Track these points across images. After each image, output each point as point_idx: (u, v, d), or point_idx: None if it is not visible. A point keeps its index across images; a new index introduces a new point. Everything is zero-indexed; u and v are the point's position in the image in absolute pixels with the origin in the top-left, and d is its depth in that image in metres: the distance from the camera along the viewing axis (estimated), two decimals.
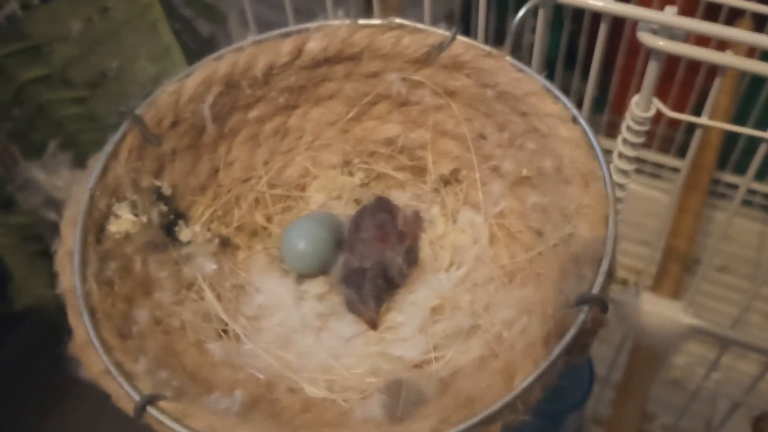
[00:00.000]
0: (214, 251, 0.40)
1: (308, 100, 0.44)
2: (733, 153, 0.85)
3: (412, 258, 0.41)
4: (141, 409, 0.29)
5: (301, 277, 0.41)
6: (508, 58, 0.39)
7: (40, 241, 0.73)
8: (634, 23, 0.41)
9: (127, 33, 0.57)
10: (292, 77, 0.42)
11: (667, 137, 0.90)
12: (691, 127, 0.45)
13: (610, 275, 0.31)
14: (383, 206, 0.42)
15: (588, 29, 0.81)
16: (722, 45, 0.44)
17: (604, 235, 0.32)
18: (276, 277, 0.41)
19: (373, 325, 0.39)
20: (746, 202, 0.89)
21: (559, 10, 0.84)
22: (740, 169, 0.86)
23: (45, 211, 0.80)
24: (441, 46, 0.40)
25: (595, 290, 0.30)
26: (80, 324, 0.32)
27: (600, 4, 0.41)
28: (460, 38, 0.40)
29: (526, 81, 0.38)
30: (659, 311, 0.55)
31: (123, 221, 0.36)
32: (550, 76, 0.38)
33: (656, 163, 0.92)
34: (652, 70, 0.42)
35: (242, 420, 0.31)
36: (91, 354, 0.31)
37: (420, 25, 0.41)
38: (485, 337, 0.35)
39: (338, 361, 0.37)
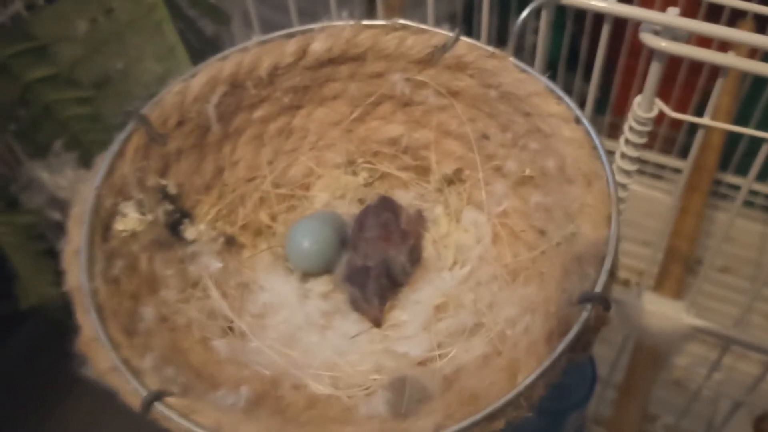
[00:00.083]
0: (219, 250, 0.41)
1: (312, 101, 0.44)
2: (734, 154, 0.85)
3: (415, 257, 0.41)
4: (148, 404, 0.30)
5: (306, 275, 0.42)
6: (511, 59, 0.39)
7: (44, 241, 0.73)
8: (636, 25, 0.41)
9: (132, 33, 0.57)
10: (296, 77, 0.42)
11: (669, 138, 0.90)
12: (693, 128, 0.46)
13: (612, 274, 0.31)
14: (387, 206, 0.42)
15: (590, 31, 0.81)
16: (724, 46, 0.44)
17: (607, 234, 0.32)
18: (280, 276, 0.41)
19: (377, 323, 0.39)
20: (748, 203, 0.89)
21: (561, 12, 0.84)
22: (742, 170, 0.86)
23: (49, 210, 0.80)
24: (444, 47, 0.41)
25: (598, 288, 0.30)
26: (87, 321, 0.32)
27: (603, 5, 0.42)
28: (464, 39, 0.40)
29: (529, 81, 0.38)
30: (661, 311, 0.55)
31: (129, 220, 0.37)
32: (552, 78, 0.38)
33: (658, 164, 0.92)
34: (655, 71, 0.42)
35: (248, 416, 0.31)
36: (98, 351, 0.31)
37: (423, 26, 0.41)
38: (489, 335, 0.35)
39: (343, 358, 0.37)
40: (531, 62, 0.41)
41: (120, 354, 0.31)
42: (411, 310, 0.39)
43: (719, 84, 0.42)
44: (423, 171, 0.45)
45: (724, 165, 0.86)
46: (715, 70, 0.41)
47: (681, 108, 0.48)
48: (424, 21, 0.42)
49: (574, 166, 0.35)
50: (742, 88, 0.79)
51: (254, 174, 0.44)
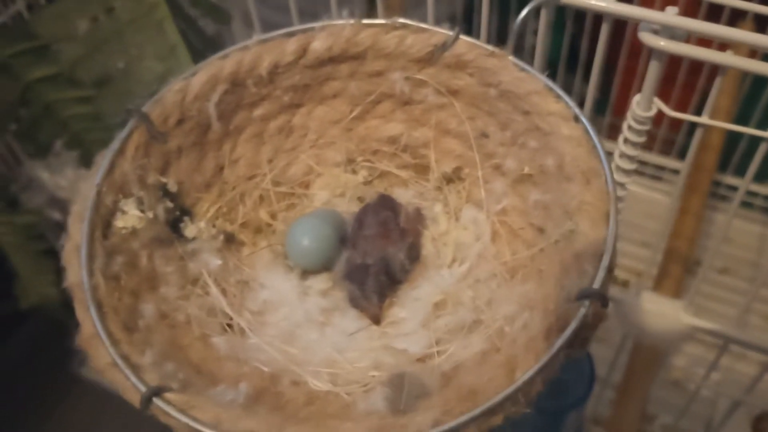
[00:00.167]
0: (219, 247, 0.41)
1: (312, 99, 0.44)
2: (734, 155, 0.85)
3: (414, 254, 0.41)
4: (147, 400, 0.30)
5: (305, 273, 0.42)
6: (511, 58, 0.39)
7: (44, 241, 0.73)
8: (636, 25, 0.42)
9: (133, 32, 0.57)
10: (296, 76, 0.43)
11: (669, 139, 0.91)
12: (693, 130, 0.46)
13: (610, 271, 0.32)
14: (386, 204, 0.43)
15: (590, 31, 0.81)
16: (724, 47, 0.44)
17: (605, 232, 0.32)
18: (280, 273, 0.41)
19: (376, 320, 0.39)
20: (747, 204, 0.89)
21: (560, 12, 0.84)
22: (741, 171, 0.86)
23: (49, 210, 0.80)
24: (444, 46, 0.41)
25: (596, 285, 0.31)
26: (87, 317, 0.32)
27: (602, 4, 0.42)
28: (463, 38, 0.41)
29: (529, 80, 0.38)
30: (660, 310, 0.55)
31: (129, 217, 0.37)
32: (552, 78, 0.38)
33: (658, 165, 0.92)
34: (653, 70, 0.42)
35: (247, 412, 0.31)
36: (98, 347, 0.32)
37: (423, 25, 0.42)
38: (487, 331, 0.35)
39: (342, 355, 0.37)
40: (531, 63, 0.42)
41: (120, 350, 0.31)
42: (410, 308, 0.39)
43: (717, 82, 0.42)
44: (422, 169, 0.45)
45: (723, 166, 0.86)
46: (715, 71, 0.41)
47: (681, 109, 0.48)
48: (424, 20, 0.42)
49: (573, 164, 0.35)
50: (742, 90, 0.79)
51: (254, 172, 0.44)
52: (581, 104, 0.45)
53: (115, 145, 0.37)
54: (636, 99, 0.44)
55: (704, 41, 0.45)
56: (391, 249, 0.40)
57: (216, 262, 0.40)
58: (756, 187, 0.87)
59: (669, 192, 0.90)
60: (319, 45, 0.42)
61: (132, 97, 0.52)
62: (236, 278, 0.41)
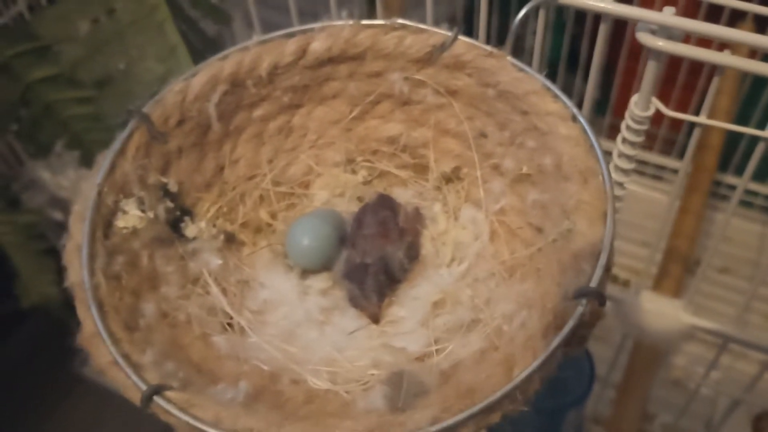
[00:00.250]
0: (220, 247, 0.41)
1: (312, 99, 0.45)
2: (734, 155, 0.85)
3: (413, 254, 0.42)
4: (148, 399, 0.30)
5: (305, 272, 0.42)
6: (509, 58, 0.40)
7: (45, 240, 0.74)
8: (636, 26, 0.42)
9: (134, 34, 0.57)
10: (296, 77, 0.43)
11: (669, 139, 0.91)
12: (693, 129, 0.46)
13: (608, 269, 0.32)
14: (385, 203, 0.43)
15: (590, 31, 0.82)
16: (724, 48, 0.44)
17: (603, 231, 0.33)
18: (280, 273, 0.42)
19: (376, 319, 0.39)
20: (746, 204, 0.89)
21: (561, 13, 0.84)
22: (741, 170, 0.86)
23: (50, 210, 0.81)
24: (443, 46, 0.41)
25: (593, 284, 0.31)
26: (88, 316, 0.32)
27: (600, 4, 0.42)
28: (462, 38, 0.41)
29: (527, 80, 0.39)
30: (660, 310, 0.55)
31: (130, 217, 0.37)
32: (552, 78, 0.39)
33: (658, 165, 0.92)
34: (651, 70, 0.42)
35: (247, 410, 0.31)
36: (99, 346, 0.32)
37: (422, 26, 0.42)
38: (486, 330, 0.35)
39: (341, 353, 0.37)
40: (531, 64, 0.42)
41: (120, 349, 0.31)
42: (409, 307, 0.40)
43: (715, 82, 0.42)
44: (421, 169, 0.46)
45: (723, 166, 0.86)
46: (714, 72, 0.42)
47: (681, 109, 0.48)
48: (423, 21, 0.42)
49: (571, 163, 0.35)
50: (741, 91, 0.79)
51: (254, 172, 0.45)
52: (581, 104, 0.45)
53: (116, 145, 0.38)
54: (634, 99, 0.45)
55: (704, 41, 0.45)
56: (390, 248, 0.40)
57: (216, 261, 0.40)
58: (756, 187, 0.87)
59: (669, 191, 0.90)
60: (318, 46, 0.42)
61: (132, 98, 0.52)
62: (236, 278, 0.41)
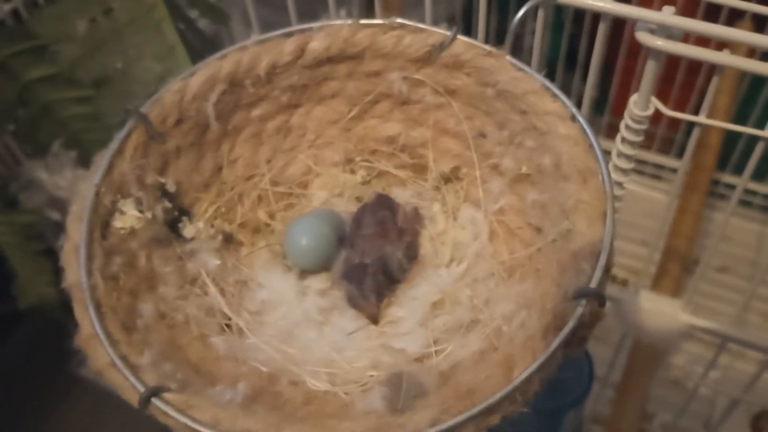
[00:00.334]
0: (218, 247, 0.41)
1: (311, 99, 0.45)
2: (733, 154, 0.85)
3: (412, 254, 0.41)
4: (146, 400, 0.30)
5: (304, 272, 0.42)
6: (508, 57, 0.39)
7: (43, 241, 0.74)
8: (635, 25, 0.42)
9: (132, 33, 0.57)
10: (294, 76, 0.43)
11: (667, 139, 0.91)
12: (691, 129, 0.46)
13: (607, 270, 0.32)
14: (384, 203, 0.43)
15: (588, 31, 0.82)
16: (722, 47, 0.44)
17: (602, 231, 0.32)
18: (279, 273, 0.42)
19: (374, 319, 0.39)
20: (745, 203, 0.89)
21: (559, 12, 0.84)
22: (740, 170, 0.86)
23: (48, 210, 0.80)
24: (442, 46, 0.41)
25: (593, 284, 0.31)
26: (86, 317, 0.32)
27: (599, 4, 0.42)
28: (461, 38, 0.41)
29: (526, 80, 0.39)
30: (658, 309, 0.55)
31: (128, 217, 0.37)
32: (551, 78, 0.38)
33: (656, 165, 0.92)
34: (651, 69, 0.42)
35: (245, 411, 0.31)
36: (97, 347, 0.32)
37: (421, 25, 0.42)
38: (485, 331, 0.35)
39: (340, 354, 0.37)
40: (530, 63, 0.42)
41: (118, 350, 0.31)
42: (408, 307, 0.39)
43: (714, 82, 0.42)
44: (420, 169, 0.45)
45: (722, 165, 0.86)
46: (713, 71, 0.42)
47: (680, 108, 0.48)
48: (422, 21, 0.42)
49: (570, 163, 0.35)
50: (740, 90, 0.79)
51: (253, 172, 0.44)
52: (580, 104, 0.45)
53: (113, 145, 0.38)
54: (633, 98, 0.44)
55: (703, 41, 0.45)
56: (389, 248, 0.40)
57: (214, 262, 0.40)
58: (755, 186, 0.87)
59: (668, 191, 0.90)
60: (317, 45, 0.42)
61: (131, 98, 0.52)
62: (235, 278, 0.41)
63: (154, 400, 0.30)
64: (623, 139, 0.46)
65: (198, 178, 0.42)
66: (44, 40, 0.59)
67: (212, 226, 0.42)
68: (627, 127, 0.45)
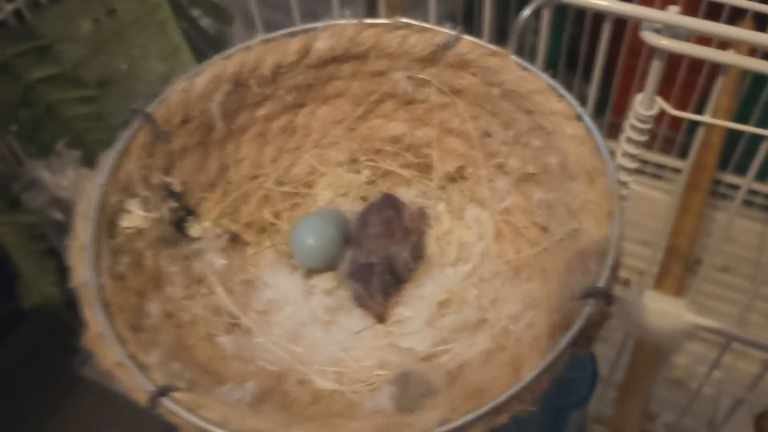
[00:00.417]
0: (224, 247, 0.41)
1: (315, 99, 0.45)
2: (734, 154, 0.85)
3: (418, 253, 0.42)
4: (154, 400, 0.30)
5: (310, 272, 0.42)
6: (513, 57, 0.39)
7: (46, 240, 0.73)
8: (635, 25, 0.42)
9: (136, 33, 0.57)
10: (299, 76, 0.43)
11: (669, 138, 0.91)
12: (692, 128, 0.46)
13: (615, 269, 0.32)
14: (389, 203, 0.43)
15: (589, 31, 0.82)
16: (723, 46, 0.44)
17: (609, 230, 0.33)
18: (285, 273, 0.42)
19: (381, 319, 0.39)
20: (747, 203, 0.89)
21: (560, 13, 0.84)
22: (741, 169, 0.86)
23: (51, 210, 0.80)
24: (447, 45, 0.41)
25: (601, 283, 0.31)
26: (94, 317, 0.32)
27: (604, 3, 0.42)
28: (466, 37, 0.41)
29: (531, 79, 0.39)
30: (661, 309, 0.55)
31: (134, 217, 0.37)
32: (552, 78, 0.38)
33: (658, 164, 0.92)
34: (656, 69, 0.42)
35: (253, 411, 0.31)
36: (105, 346, 0.32)
37: (426, 25, 0.42)
38: (492, 330, 0.35)
39: (347, 353, 0.37)
40: (530, 62, 0.42)
41: (126, 349, 0.31)
42: (414, 306, 0.40)
43: (719, 82, 0.42)
44: (425, 168, 0.45)
45: (723, 164, 0.87)
46: (715, 70, 0.42)
47: (680, 108, 0.48)
48: (425, 20, 0.42)
49: (576, 162, 0.35)
50: (742, 88, 0.79)
51: (258, 172, 0.44)
52: (582, 103, 0.45)
53: (119, 145, 0.38)
54: (638, 98, 0.45)
55: (703, 40, 0.45)
56: (395, 248, 0.40)
57: (221, 261, 0.40)
58: (757, 186, 0.87)
59: (669, 190, 0.90)
60: (321, 45, 0.42)
61: (135, 98, 0.52)
62: (241, 278, 0.41)
63: (163, 399, 0.30)
64: (628, 139, 0.46)
65: (204, 178, 0.42)
66: (48, 40, 0.59)
67: (218, 225, 0.42)
68: (632, 126, 0.45)
